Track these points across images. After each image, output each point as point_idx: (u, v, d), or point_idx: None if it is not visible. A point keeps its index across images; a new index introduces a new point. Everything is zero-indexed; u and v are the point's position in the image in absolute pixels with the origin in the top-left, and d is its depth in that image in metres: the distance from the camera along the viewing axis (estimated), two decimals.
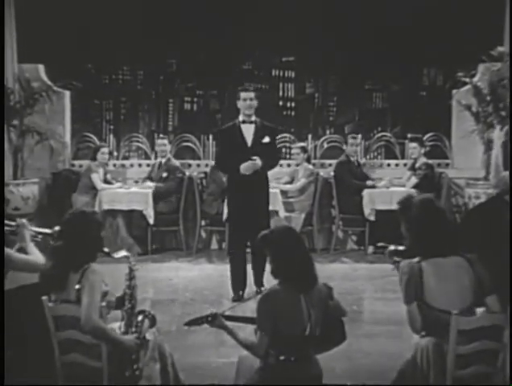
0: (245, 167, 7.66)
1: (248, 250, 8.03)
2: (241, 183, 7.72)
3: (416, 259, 4.28)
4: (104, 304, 4.34)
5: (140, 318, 4.51)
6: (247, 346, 4.29)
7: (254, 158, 7.67)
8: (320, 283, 4.36)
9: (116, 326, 4.52)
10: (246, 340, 4.31)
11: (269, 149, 7.84)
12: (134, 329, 4.46)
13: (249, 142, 7.82)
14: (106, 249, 4.62)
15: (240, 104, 7.83)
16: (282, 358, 4.21)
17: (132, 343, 4.36)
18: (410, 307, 4.24)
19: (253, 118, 7.87)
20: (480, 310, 4.22)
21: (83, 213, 4.59)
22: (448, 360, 4.12)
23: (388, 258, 4.54)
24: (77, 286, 4.29)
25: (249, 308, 5.30)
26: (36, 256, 4.71)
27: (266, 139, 7.83)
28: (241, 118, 7.87)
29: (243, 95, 7.79)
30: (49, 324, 4.31)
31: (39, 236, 4.95)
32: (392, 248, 4.55)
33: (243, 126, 7.84)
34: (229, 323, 4.40)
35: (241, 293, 7.82)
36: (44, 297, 4.33)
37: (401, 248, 4.49)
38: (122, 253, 4.67)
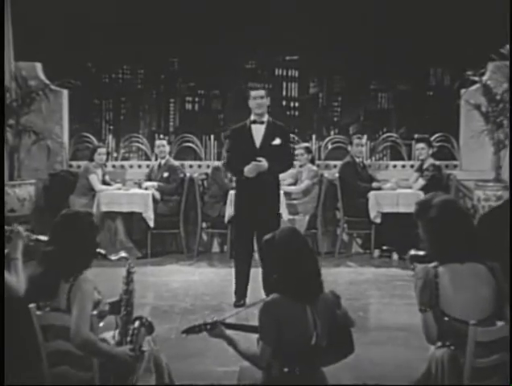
0: (248, 169, 7.39)
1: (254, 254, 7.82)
2: (248, 186, 7.44)
3: (433, 263, 4.03)
4: (95, 313, 4.06)
5: (136, 325, 4.23)
6: (249, 357, 4.06)
7: (260, 159, 7.39)
8: (327, 290, 4.11)
9: (109, 336, 4.26)
10: (248, 351, 4.07)
11: (279, 151, 7.49)
12: (129, 338, 4.18)
13: (258, 144, 7.52)
14: (103, 251, 4.34)
15: (250, 103, 7.51)
16: (286, 370, 3.99)
17: (126, 356, 4.07)
18: (425, 315, 4.00)
19: (265, 118, 7.56)
20: (501, 323, 3.95)
21: (76, 214, 4.28)
22: (465, 373, 3.87)
23: (408, 264, 4.28)
24: (68, 295, 4.00)
25: (252, 315, 5.07)
26: (20, 281, 4.35)
27: (277, 141, 7.51)
28: (252, 118, 7.56)
29: (253, 93, 7.48)
30: (37, 334, 4.03)
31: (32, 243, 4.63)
32: (412, 252, 4.29)
33: (253, 126, 7.53)
34: (229, 332, 4.16)
35: (243, 298, 7.55)
36: (32, 305, 4.04)
37: (421, 252, 4.22)
38: (120, 255, 4.41)
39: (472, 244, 4.08)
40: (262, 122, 7.53)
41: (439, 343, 4.01)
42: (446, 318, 3.96)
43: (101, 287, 4.25)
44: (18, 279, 4.35)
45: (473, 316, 3.89)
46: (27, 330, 4.04)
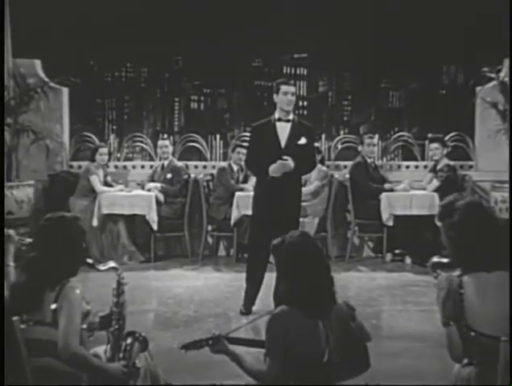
0: (274, 169, 7.01)
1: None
2: (271, 186, 7.07)
3: (457, 272, 3.68)
4: (84, 326, 3.72)
5: (129, 340, 3.89)
6: (255, 374, 3.75)
7: (286, 157, 7.03)
8: (341, 301, 3.78)
9: (101, 351, 3.91)
10: (253, 367, 3.76)
11: (304, 151, 7.15)
12: (121, 354, 3.85)
13: (283, 143, 7.14)
14: (90, 260, 4.00)
15: (279, 98, 7.12)
16: None
17: (119, 372, 3.73)
18: (449, 329, 3.64)
19: (291, 116, 7.22)
20: None
21: (61, 219, 3.93)
22: None
23: (431, 272, 3.92)
24: (54, 306, 3.67)
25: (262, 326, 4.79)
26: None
27: (303, 140, 7.14)
28: (277, 115, 7.19)
29: (284, 88, 7.10)
30: (21, 349, 3.67)
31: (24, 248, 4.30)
32: (435, 259, 3.93)
33: (278, 124, 7.15)
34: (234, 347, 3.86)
35: (251, 307, 7.18)
36: (15, 318, 3.68)
37: (445, 260, 3.86)
38: (109, 265, 4.06)
39: (500, 251, 3.73)
40: (287, 120, 7.17)
41: (466, 361, 3.65)
42: (472, 333, 3.60)
43: (88, 296, 3.93)
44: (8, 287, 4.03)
45: (503, 331, 3.52)
46: (11, 344, 3.69)
